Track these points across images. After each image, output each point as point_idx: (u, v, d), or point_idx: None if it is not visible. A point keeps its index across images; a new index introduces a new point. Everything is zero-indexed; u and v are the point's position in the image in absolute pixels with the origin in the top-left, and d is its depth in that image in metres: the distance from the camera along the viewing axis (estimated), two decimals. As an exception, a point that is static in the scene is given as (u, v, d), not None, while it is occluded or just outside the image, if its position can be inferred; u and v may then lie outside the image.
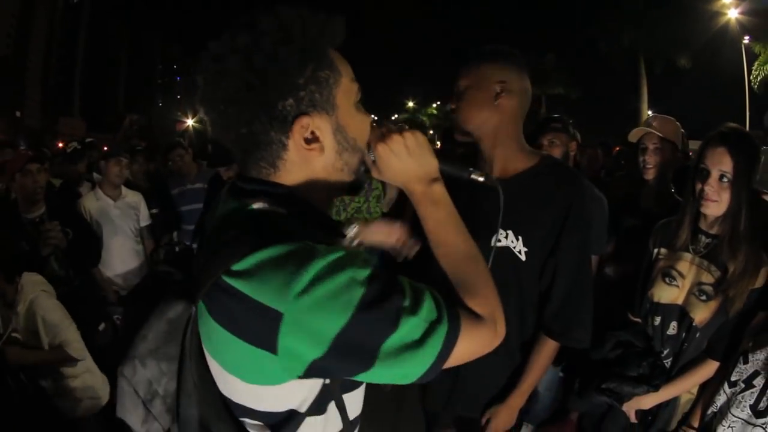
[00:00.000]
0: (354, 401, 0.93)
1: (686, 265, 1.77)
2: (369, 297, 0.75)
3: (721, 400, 1.59)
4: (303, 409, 0.84)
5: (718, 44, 21.49)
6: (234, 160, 1.11)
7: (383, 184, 3.58)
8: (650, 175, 2.47)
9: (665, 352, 1.79)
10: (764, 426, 1.46)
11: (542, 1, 33.43)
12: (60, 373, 2.47)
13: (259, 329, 0.75)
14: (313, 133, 0.85)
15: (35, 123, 27.56)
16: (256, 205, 0.83)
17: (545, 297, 1.57)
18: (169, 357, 0.90)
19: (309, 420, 0.85)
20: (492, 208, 1.18)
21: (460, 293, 0.86)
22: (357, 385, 0.92)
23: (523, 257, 1.55)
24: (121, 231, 3.80)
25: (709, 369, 1.70)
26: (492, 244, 1.14)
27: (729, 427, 1.53)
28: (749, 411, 1.49)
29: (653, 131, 2.44)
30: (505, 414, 1.61)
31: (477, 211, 1.21)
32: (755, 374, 1.51)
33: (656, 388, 1.72)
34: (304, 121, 0.84)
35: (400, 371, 0.78)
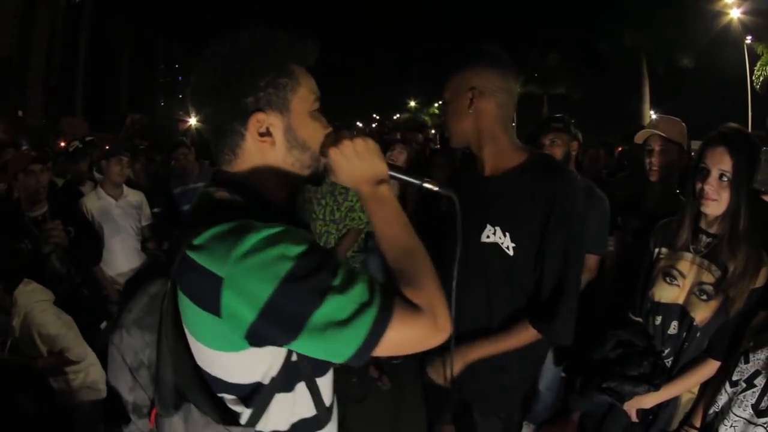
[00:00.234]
0: (327, 387, 1.04)
1: (687, 265, 1.77)
2: (297, 270, 0.83)
3: (722, 399, 1.59)
4: (266, 381, 0.94)
5: (720, 44, 21.45)
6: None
7: None
8: (656, 176, 2.46)
9: (666, 351, 1.80)
10: (766, 425, 1.46)
11: (545, 2, 33.40)
12: (63, 370, 2.49)
13: (207, 294, 0.85)
14: (267, 128, 1.00)
15: (37, 123, 27.66)
16: (218, 195, 0.99)
17: (533, 290, 1.57)
18: (152, 328, 0.99)
19: (278, 397, 0.96)
20: (478, 205, 1.18)
21: (399, 284, 0.91)
22: (326, 368, 1.03)
23: (511, 252, 1.55)
24: (123, 230, 3.80)
25: (709, 368, 1.71)
26: (458, 247, 1.17)
27: (731, 426, 1.53)
28: (751, 410, 1.49)
29: (659, 133, 2.43)
30: (459, 360, 1.54)
31: (475, 209, 1.21)
32: (756, 374, 1.51)
33: (657, 387, 1.73)
34: (260, 116, 0.99)
35: (328, 347, 0.85)
